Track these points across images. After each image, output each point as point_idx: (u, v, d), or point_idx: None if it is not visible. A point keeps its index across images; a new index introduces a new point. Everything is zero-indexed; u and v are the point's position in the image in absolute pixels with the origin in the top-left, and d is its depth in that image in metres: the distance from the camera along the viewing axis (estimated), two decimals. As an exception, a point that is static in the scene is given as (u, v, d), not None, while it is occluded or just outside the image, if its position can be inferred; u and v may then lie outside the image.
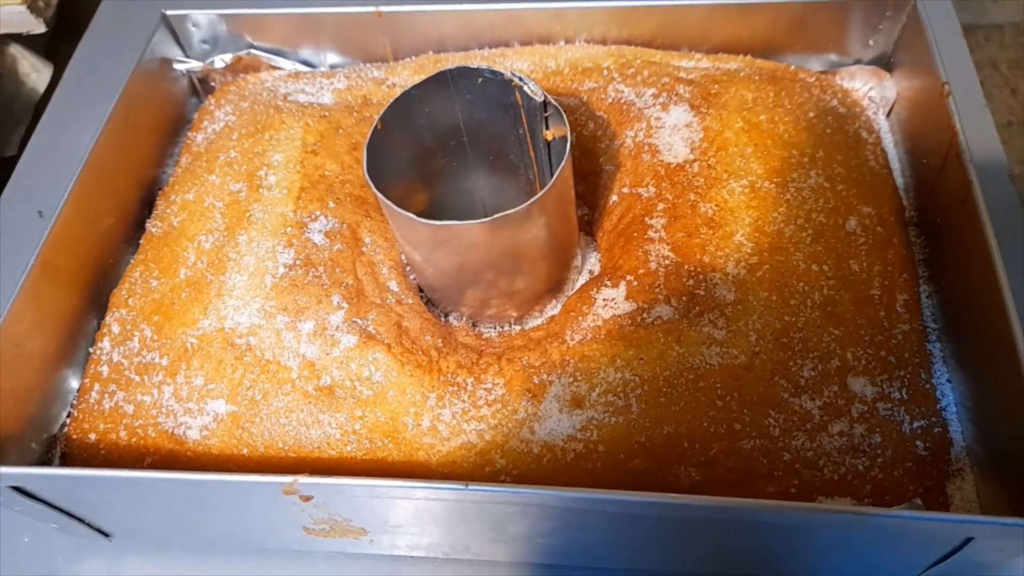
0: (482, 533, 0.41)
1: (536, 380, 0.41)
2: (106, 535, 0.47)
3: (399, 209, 0.38)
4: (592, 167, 0.49)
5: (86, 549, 0.48)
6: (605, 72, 0.52)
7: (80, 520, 0.45)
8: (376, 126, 0.41)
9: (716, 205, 0.44)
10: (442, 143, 0.47)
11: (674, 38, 0.55)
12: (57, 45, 0.99)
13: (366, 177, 0.39)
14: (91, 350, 0.48)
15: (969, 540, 0.34)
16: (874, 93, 0.54)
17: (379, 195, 0.39)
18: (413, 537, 0.43)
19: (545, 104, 0.42)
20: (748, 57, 0.55)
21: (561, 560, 0.44)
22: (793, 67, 0.54)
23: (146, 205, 0.54)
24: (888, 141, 0.53)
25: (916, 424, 0.40)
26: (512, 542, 0.41)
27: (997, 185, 0.49)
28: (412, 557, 0.46)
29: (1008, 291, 0.39)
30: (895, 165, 0.51)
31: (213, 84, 0.60)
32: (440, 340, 0.43)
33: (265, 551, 0.47)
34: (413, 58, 0.57)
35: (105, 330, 0.47)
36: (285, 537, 0.44)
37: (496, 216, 0.38)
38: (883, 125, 0.53)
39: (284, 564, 0.46)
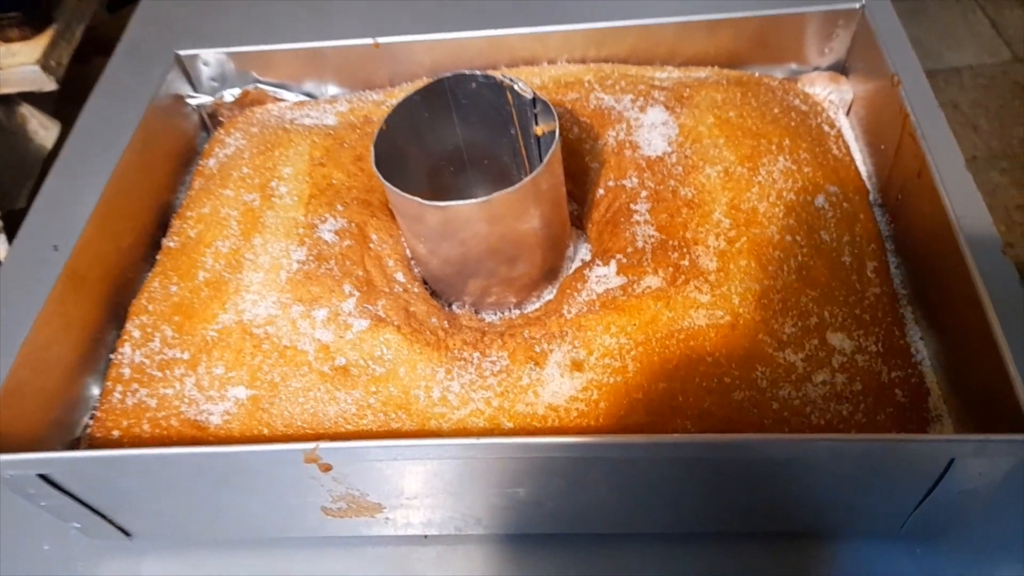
0: (493, 499, 0.43)
1: (537, 349, 0.44)
2: (127, 534, 0.48)
3: (405, 194, 0.42)
4: (579, 167, 0.53)
5: (107, 552, 0.49)
6: (586, 84, 0.56)
7: (103, 516, 0.46)
8: (382, 127, 0.45)
9: (695, 189, 0.48)
10: (441, 147, 0.51)
11: (647, 55, 0.60)
12: (63, 107, 1.04)
13: (373, 168, 0.43)
14: (112, 356, 0.50)
15: (951, 463, 0.37)
16: (833, 96, 0.59)
17: (385, 183, 0.42)
18: (427, 511, 0.44)
19: (535, 101, 0.46)
20: (716, 68, 0.60)
21: (570, 527, 0.46)
22: (757, 74, 0.59)
23: (161, 227, 0.58)
24: (849, 137, 0.57)
25: (894, 374, 0.43)
26: (522, 508, 0.43)
27: (947, 157, 0.53)
28: (426, 537, 0.47)
29: (966, 247, 0.42)
30: (857, 156, 0.56)
31: (221, 119, 0.65)
32: (446, 322, 0.46)
33: (283, 545, 0.48)
34: (409, 83, 0.62)
35: (126, 336, 0.50)
36: (303, 521, 0.46)
37: (494, 195, 0.41)
38: (843, 123, 0.58)
39: (303, 557, 0.48)
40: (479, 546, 0.47)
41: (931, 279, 0.46)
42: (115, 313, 0.52)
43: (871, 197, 0.53)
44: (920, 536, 0.44)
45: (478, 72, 0.47)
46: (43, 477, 0.42)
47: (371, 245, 0.49)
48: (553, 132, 0.45)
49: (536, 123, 0.47)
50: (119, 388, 0.48)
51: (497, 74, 0.46)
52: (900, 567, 0.44)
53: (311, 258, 0.48)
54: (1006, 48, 1.77)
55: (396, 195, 0.43)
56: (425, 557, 0.47)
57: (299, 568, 0.48)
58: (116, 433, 0.46)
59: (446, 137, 0.51)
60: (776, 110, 0.53)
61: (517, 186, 0.42)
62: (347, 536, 0.47)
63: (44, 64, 0.85)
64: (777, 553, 0.45)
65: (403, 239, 0.50)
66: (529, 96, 0.46)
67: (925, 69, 0.65)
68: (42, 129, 0.93)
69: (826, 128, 0.55)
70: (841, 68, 0.60)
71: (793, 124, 0.53)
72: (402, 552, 0.47)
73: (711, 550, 0.46)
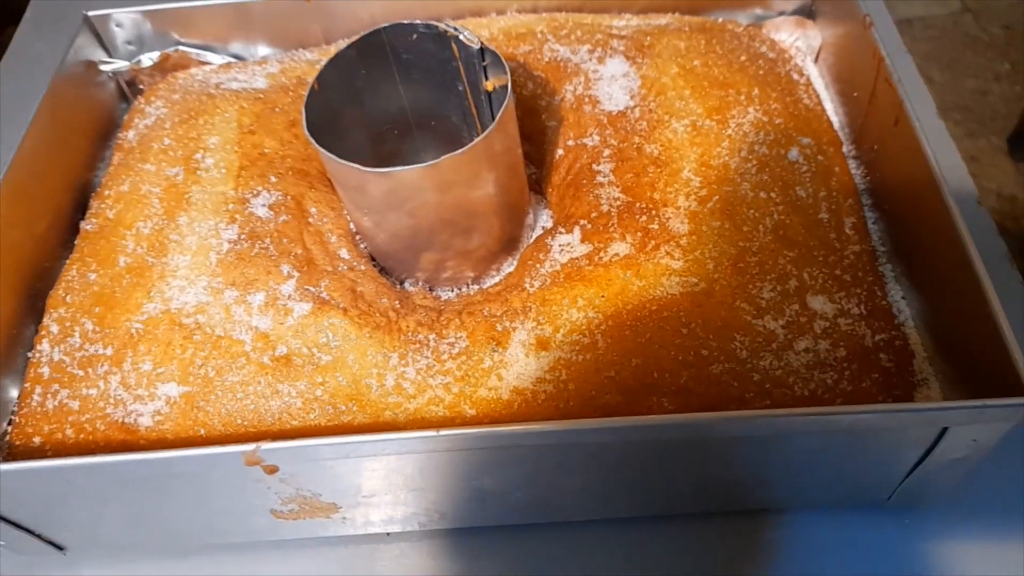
0: (457, 492, 0.39)
1: (499, 328, 0.40)
2: (60, 548, 0.44)
3: (342, 161, 0.38)
4: (536, 126, 0.49)
5: (38, 567, 0.45)
6: (539, 35, 0.52)
7: (31, 532, 0.42)
8: (313, 86, 0.41)
9: (661, 145, 0.45)
10: (383, 108, 0.46)
11: (603, 2, 0.56)
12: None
13: (305, 132, 0.38)
14: (29, 355, 0.45)
15: (944, 431, 0.35)
16: (800, 43, 0.56)
17: (319, 149, 0.38)
18: (387, 508, 0.41)
19: (483, 52, 0.42)
20: (676, 15, 0.56)
21: (539, 517, 0.43)
22: (721, 20, 0.55)
23: (80, 209, 0.52)
24: (819, 85, 0.54)
25: (878, 337, 0.41)
26: (488, 500, 0.40)
27: (923, 102, 0.51)
28: (388, 535, 0.44)
29: (950, 198, 0.39)
30: (827, 105, 0.52)
31: (142, 87, 0.59)
32: (397, 302, 0.42)
33: (233, 548, 0.45)
34: (346, 40, 0.57)
35: (43, 332, 0.45)
36: (252, 525, 0.42)
37: (442, 158, 0.37)
38: (812, 70, 0.55)
39: (255, 561, 0.44)
40: (445, 541, 0.44)
41: (912, 234, 0.44)
42: (32, 306, 0.47)
43: (844, 149, 0.50)
44: (908, 505, 0.42)
45: (418, 21, 0.42)
46: (-47, 496, 0.37)
47: (310, 220, 0.45)
48: (505, 87, 0.41)
49: (486, 77, 0.43)
50: (39, 390, 0.43)
51: (440, 23, 0.42)
52: (887, 536, 0.43)
53: (244, 237, 0.43)
54: (956, -3, 1.76)
55: (333, 162, 0.38)
56: (388, 555, 0.44)
57: (252, 573, 0.44)
58: (37, 440, 0.42)
59: (388, 97, 0.46)
60: (743, 58, 0.50)
61: (467, 147, 0.38)
62: (303, 538, 0.44)
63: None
64: (757, 528, 0.43)
65: (346, 212, 0.46)
66: (476, 47, 0.42)
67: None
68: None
69: (795, 76, 0.51)
70: (807, 12, 0.57)
71: (761, 72, 0.49)
72: (363, 551, 0.44)
73: (691, 529, 0.43)
